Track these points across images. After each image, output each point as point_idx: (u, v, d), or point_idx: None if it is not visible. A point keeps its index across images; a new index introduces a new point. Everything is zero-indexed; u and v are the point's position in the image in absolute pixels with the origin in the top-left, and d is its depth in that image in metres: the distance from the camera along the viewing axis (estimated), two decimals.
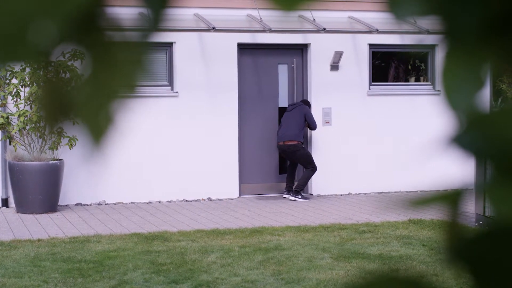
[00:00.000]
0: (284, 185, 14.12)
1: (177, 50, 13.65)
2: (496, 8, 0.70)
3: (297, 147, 13.49)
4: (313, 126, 13.80)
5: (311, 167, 13.56)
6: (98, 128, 0.77)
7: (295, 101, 14.38)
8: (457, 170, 14.09)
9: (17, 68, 12.10)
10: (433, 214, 11.51)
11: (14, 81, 12.47)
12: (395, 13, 0.72)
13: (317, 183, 14.28)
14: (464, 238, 0.72)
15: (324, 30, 13.61)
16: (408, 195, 14.30)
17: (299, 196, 13.58)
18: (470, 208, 10.88)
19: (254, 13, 13.78)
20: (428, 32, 13.55)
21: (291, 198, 13.59)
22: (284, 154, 13.77)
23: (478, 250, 0.72)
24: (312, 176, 13.86)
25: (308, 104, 14.03)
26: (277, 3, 0.80)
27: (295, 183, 13.75)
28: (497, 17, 0.70)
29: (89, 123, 0.77)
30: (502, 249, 0.72)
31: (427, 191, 14.62)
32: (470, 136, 0.71)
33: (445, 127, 14.11)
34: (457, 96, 0.72)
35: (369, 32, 13.97)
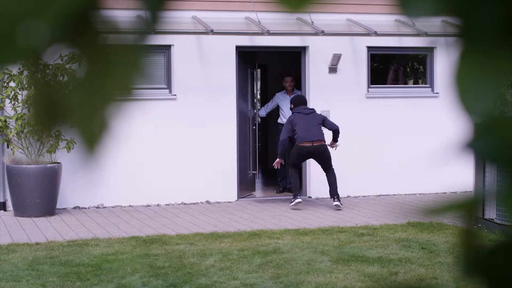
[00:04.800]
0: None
1: (175, 53, 13.62)
2: None
3: (325, 147, 12.71)
4: (337, 129, 12.89)
5: (332, 168, 12.95)
6: (92, 133, 0.74)
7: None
8: (456, 173, 14.06)
9: (15, 71, 12.06)
10: (431, 216, 11.47)
11: (12, 84, 12.44)
12: (408, 13, 0.69)
13: (316, 186, 14.25)
14: (481, 248, 0.69)
15: (323, 33, 13.58)
16: (407, 198, 14.28)
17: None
18: None
19: (253, 15, 13.75)
20: (426, 34, 13.53)
21: (335, 203, 12.76)
22: (310, 155, 12.75)
23: (495, 260, 0.69)
24: (309, 179, 13.80)
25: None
26: (283, 4, 0.77)
27: (332, 188, 12.78)
28: None
29: (83, 128, 0.74)
30: None
31: (426, 194, 14.60)
32: (487, 141, 0.69)
33: (443, 130, 14.10)
34: (472, 100, 0.69)
35: (368, 34, 13.95)
